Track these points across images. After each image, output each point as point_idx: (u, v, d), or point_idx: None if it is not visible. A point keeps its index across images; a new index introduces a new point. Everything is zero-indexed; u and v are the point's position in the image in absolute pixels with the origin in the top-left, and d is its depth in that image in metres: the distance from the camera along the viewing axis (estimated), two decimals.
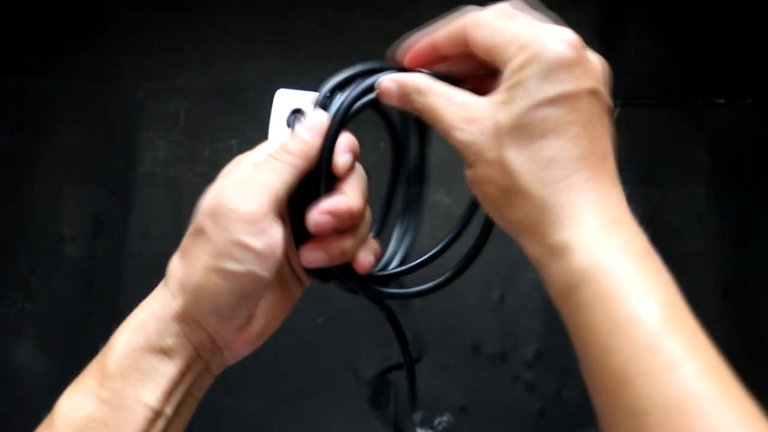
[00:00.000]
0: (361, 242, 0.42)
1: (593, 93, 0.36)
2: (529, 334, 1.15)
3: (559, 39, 0.36)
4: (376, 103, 0.42)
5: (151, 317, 0.39)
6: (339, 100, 0.41)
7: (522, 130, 0.35)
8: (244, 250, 0.37)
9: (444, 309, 1.16)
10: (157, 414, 0.38)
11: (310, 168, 0.40)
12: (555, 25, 0.38)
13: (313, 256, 0.41)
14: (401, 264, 0.48)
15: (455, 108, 0.38)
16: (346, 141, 0.42)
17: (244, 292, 0.39)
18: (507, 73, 0.36)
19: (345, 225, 0.40)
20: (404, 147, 0.48)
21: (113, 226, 1.20)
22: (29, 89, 1.27)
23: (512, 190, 0.36)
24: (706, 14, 1.29)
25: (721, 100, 1.26)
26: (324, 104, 0.42)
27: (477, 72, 0.41)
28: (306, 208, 0.40)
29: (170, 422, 0.39)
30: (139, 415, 0.38)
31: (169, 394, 0.39)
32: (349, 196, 0.40)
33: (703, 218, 1.20)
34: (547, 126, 0.35)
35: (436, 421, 1.13)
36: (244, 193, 0.38)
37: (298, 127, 0.41)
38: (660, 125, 1.25)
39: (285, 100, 0.43)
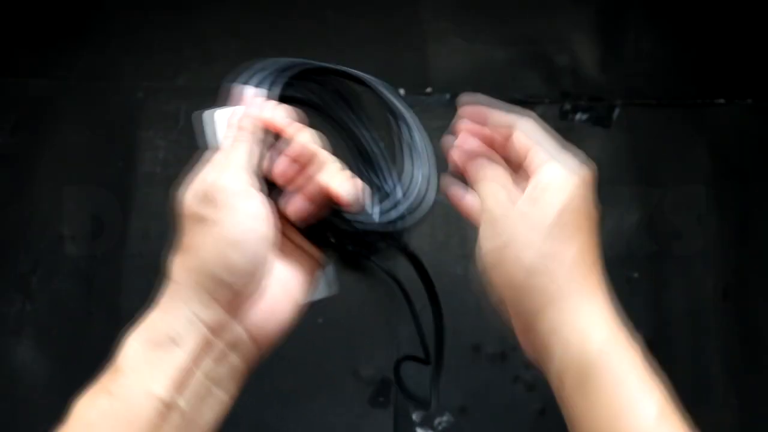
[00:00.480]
0: (333, 175, 0.44)
1: (596, 215, 0.45)
2: None
3: (578, 164, 0.46)
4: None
5: (160, 312, 0.40)
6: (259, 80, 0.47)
7: (557, 228, 0.43)
8: (245, 216, 0.41)
9: (444, 309, 1.16)
10: (168, 406, 0.38)
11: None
12: (572, 155, 0.46)
13: (293, 203, 0.43)
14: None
15: (503, 192, 0.46)
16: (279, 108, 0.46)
17: (255, 254, 0.41)
18: (536, 179, 0.44)
19: (304, 161, 0.43)
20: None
21: (113, 226, 1.20)
22: (29, 89, 1.27)
23: (537, 274, 0.42)
24: (706, 14, 1.29)
25: (721, 100, 1.26)
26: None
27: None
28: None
29: (188, 418, 0.39)
30: (149, 407, 0.38)
31: (181, 384, 0.39)
32: (296, 139, 0.44)
33: (703, 218, 1.20)
34: (576, 228, 0.43)
35: (436, 421, 1.13)
36: (219, 173, 0.42)
37: (240, 109, 0.46)
38: (660, 125, 1.25)
39: (211, 119, 0.48)
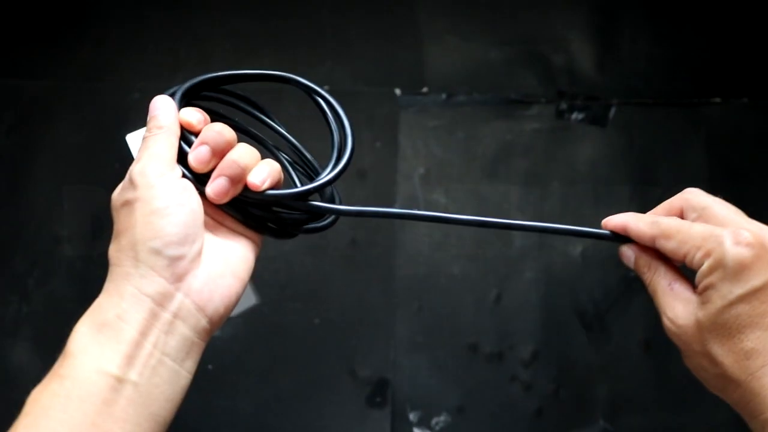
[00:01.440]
0: (248, 159, 0.46)
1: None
2: (526, 334, 1.15)
3: (737, 242, 0.42)
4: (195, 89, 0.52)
5: (105, 295, 0.43)
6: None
7: (721, 328, 0.41)
8: (163, 189, 0.44)
9: (441, 309, 1.16)
10: (119, 380, 0.39)
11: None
12: (733, 227, 0.43)
13: (215, 184, 0.45)
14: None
15: (670, 296, 0.45)
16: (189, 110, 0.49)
17: (182, 222, 0.43)
18: (699, 276, 0.43)
19: (219, 145, 0.46)
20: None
21: (109, 227, 1.20)
22: (25, 90, 1.27)
23: (723, 377, 0.42)
24: (702, 14, 1.29)
25: (717, 99, 1.26)
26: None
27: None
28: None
29: (142, 390, 0.39)
30: (100, 383, 0.39)
31: (130, 357, 0.39)
32: (208, 127, 0.47)
33: None
34: (742, 321, 0.41)
35: (434, 421, 1.13)
36: (145, 162, 0.45)
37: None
38: (656, 124, 1.26)
39: (137, 139, 0.52)
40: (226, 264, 0.46)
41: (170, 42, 1.29)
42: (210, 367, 1.13)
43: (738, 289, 0.41)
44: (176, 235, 0.42)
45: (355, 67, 1.25)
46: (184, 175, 0.46)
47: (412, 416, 1.13)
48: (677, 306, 0.44)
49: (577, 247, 1.19)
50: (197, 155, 0.46)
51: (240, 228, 0.48)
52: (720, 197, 0.48)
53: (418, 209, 0.51)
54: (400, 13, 1.29)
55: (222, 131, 0.46)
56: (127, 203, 0.44)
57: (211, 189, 0.45)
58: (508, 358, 1.15)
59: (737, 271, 0.41)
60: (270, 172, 0.47)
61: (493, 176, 1.21)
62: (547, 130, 1.22)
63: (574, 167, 1.21)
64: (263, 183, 0.46)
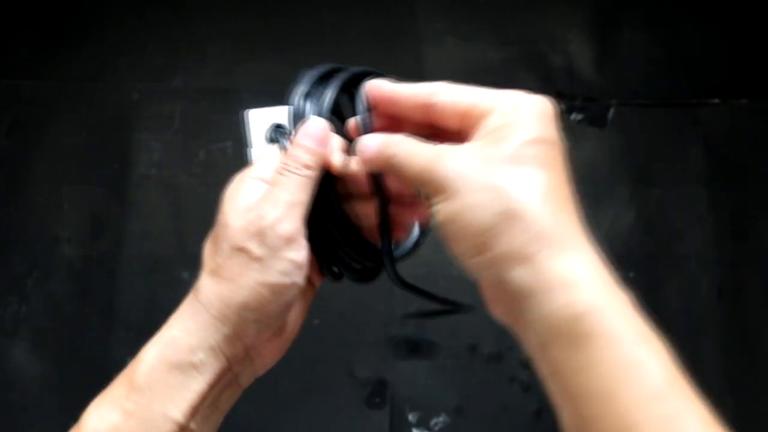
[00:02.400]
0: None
1: (563, 147, 0.38)
2: None
3: (538, 97, 0.38)
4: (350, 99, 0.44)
5: (184, 332, 0.40)
6: (316, 105, 0.43)
7: (519, 160, 0.36)
8: (291, 265, 0.40)
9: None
10: (182, 428, 0.39)
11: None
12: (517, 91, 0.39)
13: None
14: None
15: (427, 149, 0.39)
16: (336, 140, 0.44)
17: (288, 301, 0.41)
18: (494, 116, 0.37)
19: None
20: None
21: (109, 227, 1.20)
22: (23, 91, 1.27)
23: (511, 214, 0.34)
24: (702, 14, 1.30)
25: (716, 100, 1.26)
26: (300, 113, 0.43)
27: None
28: (319, 212, 0.43)
29: None
30: (164, 429, 0.38)
31: (196, 410, 0.39)
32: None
33: (698, 218, 1.20)
34: (542, 161, 0.36)
35: (433, 421, 1.13)
36: (281, 212, 0.40)
37: (299, 137, 0.42)
38: (655, 125, 1.26)
39: (258, 118, 0.44)
40: (295, 324, 0.45)
41: (169, 43, 1.29)
42: None
43: (540, 132, 0.36)
44: (276, 315, 0.41)
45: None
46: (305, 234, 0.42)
47: (411, 417, 1.13)
48: (449, 148, 0.38)
49: None
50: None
51: (312, 274, 0.46)
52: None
53: None
54: (400, 14, 1.29)
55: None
56: (247, 254, 0.40)
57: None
58: (508, 359, 1.15)
59: (540, 116, 0.37)
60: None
61: None
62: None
63: (573, 168, 1.21)
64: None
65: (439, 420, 1.13)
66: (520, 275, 0.34)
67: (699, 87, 1.27)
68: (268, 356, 0.43)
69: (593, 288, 0.33)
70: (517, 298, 0.35)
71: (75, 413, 0.41)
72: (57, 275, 1.19)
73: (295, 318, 0.45)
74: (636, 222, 1.20)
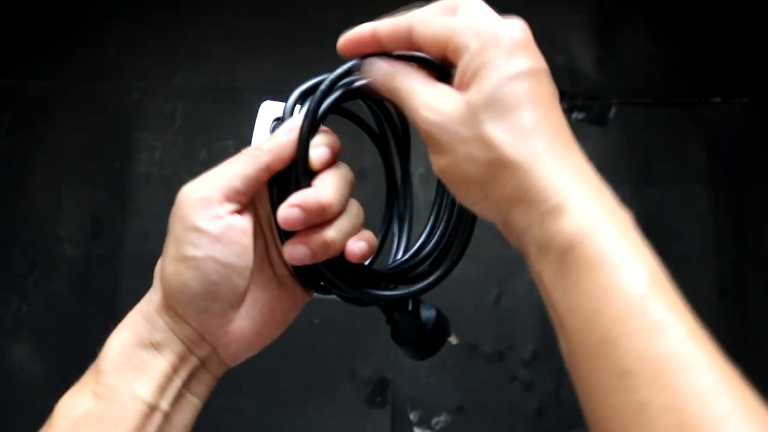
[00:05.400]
0: (348, 235, 0.41)
1: (546, 71, 0.38)
2: (526, 334, 1.15)
3: (509, 24, 0.37)
4: (342, 99, 0.42)
5: (140, 314, 0.41)
6: (309, 101, 0.42)
7: (498, 104, 0.35)
8: (199, 234, 0.39)
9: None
10: (152, 408, 0.39)
11: (282, 167, 0.40)
12: (498, 15, 0.38)
13: (294, 251, 0.40)
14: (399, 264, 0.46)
15: (430, 88, 0.38)
16: (322, 137, 0.42)
17: (210, 279, 0.39)
18: (466, 58, 0.37)
19: (315, 218, 0.39)
20: (386, 149, 0.47)
21: (110, 227, 1.20)
22: (25, 90, 1.27)
23: (497, 163, 0.35)
24: (702, 14, 1.29)
25: (718, 99, 1.26)
26: (289, 111, 0.42)
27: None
28: None
29: (168, 419, 0.40)
30: (134, 408, 0.39)
31: (162, 389, 0.40)
32: (317, 189, 0.40)
33: (699, 217, 1.20)
34: (522, 98, 0.36)
35: (434, 420, 1.13)
36: (200, 181, 0.40)
37: (277, 131, 0.42)
38: (656, 124, 1.26)
39: (269, 110, 0.44)
40: (266, 319, 0.42)
41: (169, 42, 1.29)
42: None
43: (516, 65, 0.36)
44: (201, 294, 0.39)
45: None
46: (251, 209, 0.40)
47: (413, 416, 1.13)
48: (440, 96, 0.37)
49: None
50: (287, 218, 0.39)
51: (292, 281, 0.44)
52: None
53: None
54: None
55: (327, 202, 0.40)
56: (169, 229, 0.40)
57: (289, 254, 0.40)
58: (508, 358, 1.15)
59: (513, 48, 0.36)
60: (368, 243, 0.41)
61: None
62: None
63: None
64: (357, 257, 0.41)
65: (441, 419, 1.13)
66: (517, 215, 0.36)
67: (700, 86, 1.27)
68: (233, 345, 0.41)
69: (582, 213, 0.34)
70: (519, 234, 0.36)
71: None
72: (58, 275, 1.19)
73: (264, 312, 0.42)
74: (637, 221, 1.20)
